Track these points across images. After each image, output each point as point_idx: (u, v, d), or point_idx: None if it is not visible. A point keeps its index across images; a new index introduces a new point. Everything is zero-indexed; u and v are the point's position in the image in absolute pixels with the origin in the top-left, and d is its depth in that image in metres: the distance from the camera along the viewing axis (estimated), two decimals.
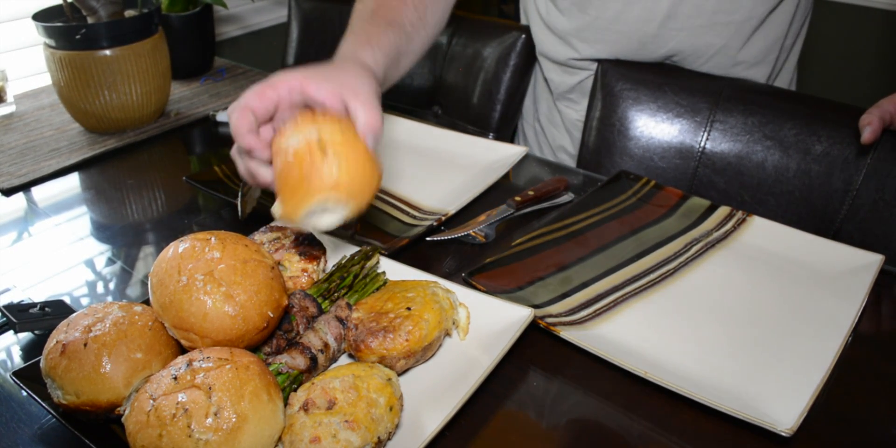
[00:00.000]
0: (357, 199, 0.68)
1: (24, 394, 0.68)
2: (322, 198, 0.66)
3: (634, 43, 1.16)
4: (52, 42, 1.12)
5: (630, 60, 1.18)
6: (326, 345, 0.67)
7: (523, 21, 1.37)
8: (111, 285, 0.86)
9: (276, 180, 0.69)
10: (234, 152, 0.74)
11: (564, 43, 1.23)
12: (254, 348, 0.65)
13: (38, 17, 1.15)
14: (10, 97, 1.29)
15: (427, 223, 0.91)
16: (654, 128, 1.16)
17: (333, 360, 0.69)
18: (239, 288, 0.61)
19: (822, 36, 2.24)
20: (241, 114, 0.69)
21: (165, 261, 0.63)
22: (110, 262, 0.90)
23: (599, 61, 1.20)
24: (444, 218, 0.91)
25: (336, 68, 0.77)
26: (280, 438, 0.57)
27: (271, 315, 0.63)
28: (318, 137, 0.66)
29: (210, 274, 0.61)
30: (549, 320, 0.74)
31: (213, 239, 0.64)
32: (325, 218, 0.69)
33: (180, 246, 0.64)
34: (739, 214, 0.93)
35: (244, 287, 0.61)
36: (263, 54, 1.98)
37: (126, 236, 0.95)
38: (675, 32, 1.13)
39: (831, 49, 2.28)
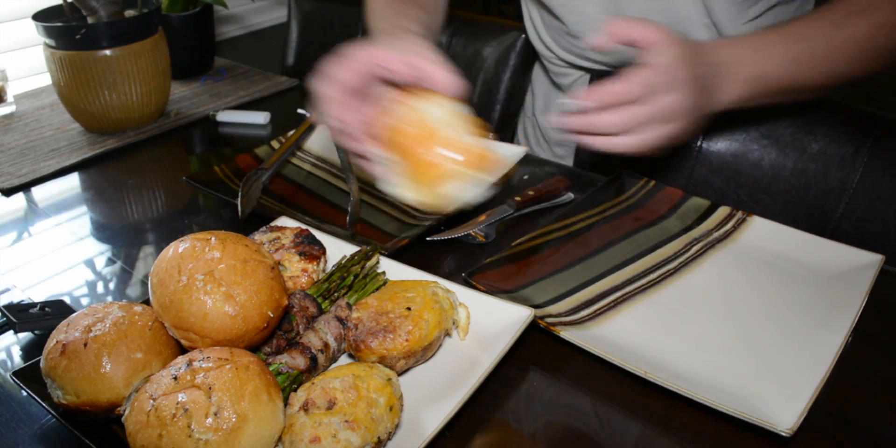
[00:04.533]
0: (490, 167, 0.65)
1: (24, 394, 0.68)
2: (461, 173, 0.64)
3: (614, 63, 1.17)
4: (52, 42, 1.12)
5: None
6: (326, 345, 0.67)
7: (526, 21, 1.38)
8: (111, 285, 0.86)
9: (400, 161, 0.65)
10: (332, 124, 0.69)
11: (549, 50, 1.25)
12: (254, 348, 0.65)
13: (38, 17, 1.15)
14: (10, 97, 1.29)
15: (427, 223, 0.91)
16: None
17: (333, 360, 0.69)
18: (239, 288, 0.61)
19: None
20: (329, 84, 0.67)
21: (165, 261, 0.63)
22: (110, 262, 0.90)
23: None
24: (444, 218, 0.91)
25: (390, 38, 0.74)
26: (280, 438, 0.57)
27: (271, 315, 0.63)
28: (434, 113, 0.64)
29: (210, 274, 0.61)
30: (549, 320, 0.74)
31: (213, 239, 0.64)
32: (467, 192, 0.66)
33: (180, 246, 0.64)
34: (739, 214, 0.93)
35: (244, 287, 0.61)
36: (263, 54, 1.98)
37: (126, 236, 0.95)
38: None
39: None
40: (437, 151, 0.64)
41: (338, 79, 0.67)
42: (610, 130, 0.72)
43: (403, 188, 0.67)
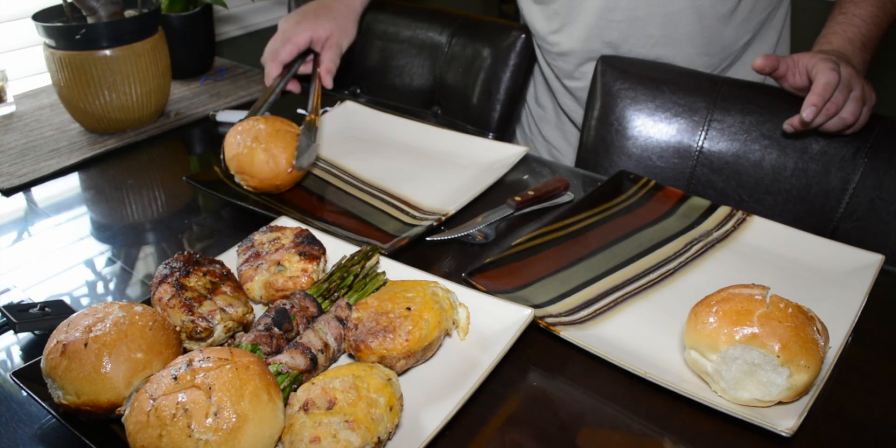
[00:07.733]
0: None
1: (24, 394, 0.68)
2: None
3: (583, 33, 1.20)
4: (52, 42, 1.12)
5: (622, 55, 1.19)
6: (326, 345, 0.67)
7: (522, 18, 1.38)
8: (111, 285, 0.86)
9: None
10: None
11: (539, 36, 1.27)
12: (287, 189, 0.97)
13: (38, 17, 1.15)
14: (10, 97, 1.28)
15: (427, 223, 0.91)
16: (653, 127, 1.16)
17: (333, 360, 0.69)
18: (274, 145, 0.97)
19: (808, 35, 2.23)
20: (275, 65, 1.22)
21: (232, 135, 0.99)
22: (110, 262, 0.90)
23: (598, 61, 1.21)
24: (444, 218, 0.91)
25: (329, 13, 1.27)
26: (280, 438, 0.57)
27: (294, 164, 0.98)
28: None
29: (257, 138, 0.97)
30: (549, 320, 0.74)
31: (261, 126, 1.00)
32: None
33: (238, 127, 1.01)
34: (739, 214, 0.93)
35: (277, 144, 0.97)
36: (263, 54, 1.98)
37: (126, 236, 0.95)
38: (615, 23, 1.16)
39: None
40: None
41: (283, 61, 1.24)
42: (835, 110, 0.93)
43: None
